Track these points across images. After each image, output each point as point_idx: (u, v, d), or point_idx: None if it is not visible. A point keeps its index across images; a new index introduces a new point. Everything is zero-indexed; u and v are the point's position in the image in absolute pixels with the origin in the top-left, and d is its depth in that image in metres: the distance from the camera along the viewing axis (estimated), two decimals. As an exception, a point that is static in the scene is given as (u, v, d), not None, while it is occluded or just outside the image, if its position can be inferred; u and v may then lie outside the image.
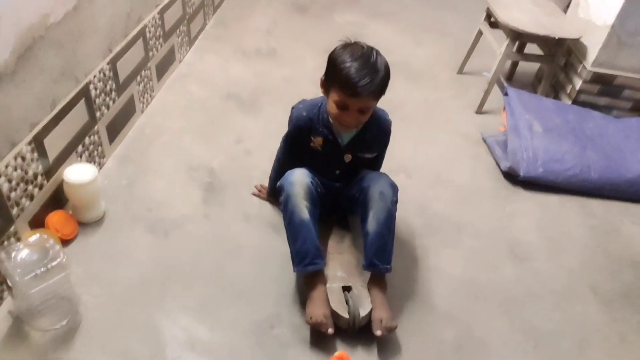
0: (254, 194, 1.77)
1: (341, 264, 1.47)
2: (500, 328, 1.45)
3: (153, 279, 1.43)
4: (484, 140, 2.23)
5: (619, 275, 1.68)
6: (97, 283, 1.40)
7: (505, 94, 2.30)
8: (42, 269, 1.16)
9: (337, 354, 1.22)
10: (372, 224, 1.38)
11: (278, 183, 1.47)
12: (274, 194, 1.58)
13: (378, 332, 1.29)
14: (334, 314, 1.32)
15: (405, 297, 1.48)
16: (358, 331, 1.32)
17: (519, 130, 2.08)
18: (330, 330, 1.28)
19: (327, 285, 1.39)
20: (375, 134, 1.47)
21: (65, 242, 1.47)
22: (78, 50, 1.56)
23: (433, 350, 1.36)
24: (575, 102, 2.37)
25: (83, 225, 1.54)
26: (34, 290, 1.16)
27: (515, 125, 2.11)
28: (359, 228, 1.46)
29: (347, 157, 1.49)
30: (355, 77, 1.25)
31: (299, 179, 1.39)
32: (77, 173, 1.48)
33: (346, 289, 1.39)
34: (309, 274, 1.38)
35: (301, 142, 1.49)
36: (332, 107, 1.36)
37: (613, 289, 1.63)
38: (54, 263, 1.18)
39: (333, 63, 1.32)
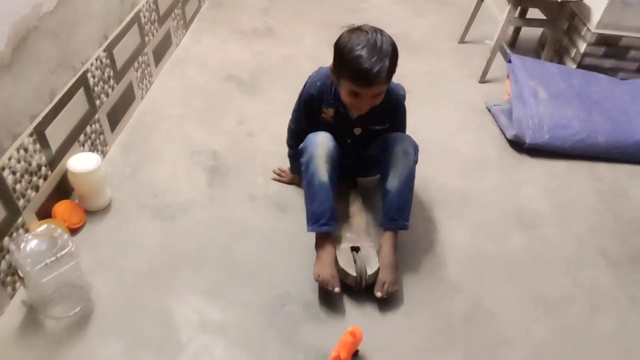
0: (275, 179, 1.76)
1: (350, 226, 1.52)
2: (510, 297, 1.45)
3: (162, 264, 1.44)
4: (489, 110, 2.20)
5: (628, 239, 1.67)
6: (108, 270, 1.41)
7: (509, 62, 2.26)
8: (52, 259, 1.17)
9: (350, 329, 1.22)
10: (393, 181, 1.42)
11: (300, 145, 1.47)
12: (298, 171, 1.58)
13: (378, 294, 1.34)
14: (342, 272, 1.37)
15: (413, 270, 1.49)
16: (365, 289, 1.37)
17: (524, 98, 2.05)
18: (337, 289, 1.32)
19: (337, 245, 1.43)
20: (386, 107, 1.46)
21: (73, 231, 1.49)
22: (73, 38, 1.54)
23: (442, 320, 1.37)
24: (580, 66, 2.32)
25: (90, 213, 1.55)
26: (45, 279, 1.18)
27: (519, 93, 2.08)
28: (380, 187, 1.49)
29: (357, 130, 1.51)
30: (365, 67, 1.24)
31: (323, 142, 1.41)
32: (80, 162, 1.49)
33: (354, 249, 1.44)
34: (320, 235, 1.42)
35: (313, 112, 1.50)
36: (344, 95, 1.36)
37: (622, 253, 1.62)
38: (63, 252, 1.19)
39: (340, 53, 1.30)
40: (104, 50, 1.72)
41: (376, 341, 1.29)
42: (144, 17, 2.02)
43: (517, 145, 2.00)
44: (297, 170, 1.69)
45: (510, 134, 2.00)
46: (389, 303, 1.38)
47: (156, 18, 2.15)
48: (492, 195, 1.79)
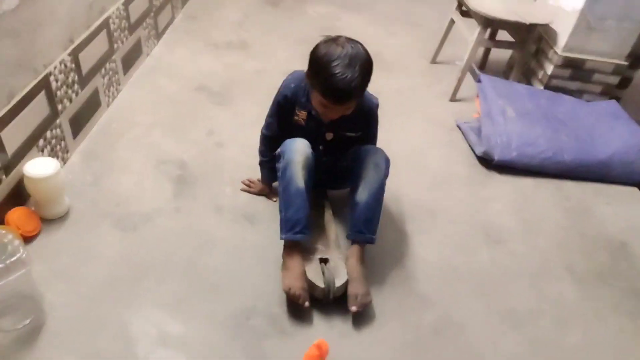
0: (244, 190, 1.72)
1: (320, 237, 1.50)
2: (478, 310, 1.44)
3: (122, 275, 1.38)
4: (458, 127, 2.23)
5: (593, 256, 1.69)
6: (63, 281, 1.33)
7: (478, 81, 2.31)
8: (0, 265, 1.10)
9: (316, 342, 1.19)
10: (363, 194, 1.40)
11: (277, 150, 1.46)
12: (273, 177, 1.57)
13: (353, 308, 1.30)
14: (310, 284, 1.34)
15: (382, 282, 1.46)
16: (333, 301, 1.34)
17: (493, 116, 2.09)
18: (307, 304, 1.29)
19: (305, 255, 1.40)
20: (358, 115, 1.46)
21: (27, 240, 1.41)
22: (36, 40, 1.49)
23: (411, 333, 1.34)
24: (547, 87, 2.39)
25: (46, 222, 1.48)
26: (-9, 288, 1.10)
27: (488, 111, 2.12)
28: (349, 199, 1.47)
29: (329, 135, 1.50)
30: (337, 87, 1.25)
31: (301, 148, 1.39)
32: (38, 167, 1.42)
33: (323, 260, 1.41)
34: (291, 243, 1.39)
35: (286, 114, 1.49)
36: (316, 103, 1.37)
37: (588, 269, 1.64)
38: (13, 259, 1.12)
39: (315, 65, 1.30)
40: (69, 54, 1.67)
41: (344, 355, 1.25)
42: (114, 23, 1.98)
43: (486, 161, 2.02)
44: (268, 179, 1.66)
45: (479, 150, 2.03)
46: (357, 315, 1.35)
47: (127, 26, 2.11)
48: (461, 210, 1.79)
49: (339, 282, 1.34)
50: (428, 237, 1.65)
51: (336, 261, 1.41)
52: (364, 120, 1.50)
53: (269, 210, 1.65)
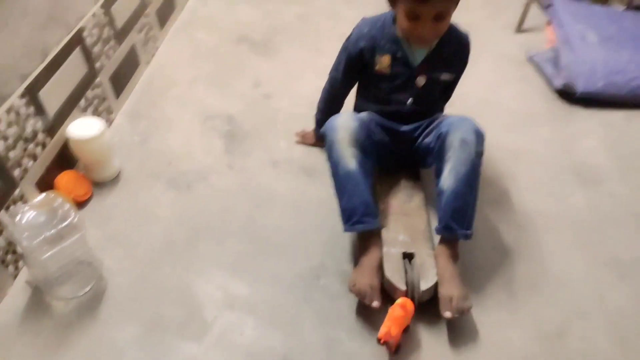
0: (298, 142, 1.57)
1: (405, 226, 1.22)
2: (578, 262, 1.26)
3: (180, 237, 1.28)
4: (531, 60, 1.98)
5: None
6: (119, 245, 1.25)
7: (549, 5, 2.03)
8: (51, 231, 1.01)
9: (399, 301, 1.05)
10: (449, 179, 1.13)
11: (321, 129, 1.24)
12: (322, 136, 1.36)
13: (447, 314, 1.05)
14: (388, 284, 1.11)
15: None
16: (417, 308, 1.08)
17: (572, 42, 1.83)
18: (376, 303, 1.06)
19: (385, 249, 1.16)
20: (455, 49, 1.24)
21: (79, 204, 1.33)
22: (65, -9, 1.36)
23: (504, 291, 1.19)
24: (629, 7, 2.08)
25: (97, 185, 1.39)
26: (46, 255, 1.02)
27: (566, 37, 1.85)
28: (434, 184, 1.21)
29: (421, 80, 1.24)
30: None
31: (344, 122, 1.17)
32: (82, 128, 1.32)
33: (407, 256, 1.16)
34: (361, 235, 1.18)
35: (364, 68, 1.27)
36: (402, 21, 1.14)
37: (701, 207, 1.41)
38: (65, 223, 1.03)
39: None
40: (101, 7, 1.54)
41: (428, 317, 1.11)
42: (145, -26, 1.83)
43: (567, 95, 1.78)
44: (319, 136, 1.50)
45: (558, 83, 1.78)
46: (449, 326, 1.12)
47: (158, -24, 1.96)
48: (546, 150, 1.58)
49: (424, 285, 1.08)
50: (513, 183, 1.46)
51: (424, 257, 1.15)
52: (461, 55, 1.27)
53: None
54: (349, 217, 1.16)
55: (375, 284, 1.09)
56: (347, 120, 1.18)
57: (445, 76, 1.27)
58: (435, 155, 1.19)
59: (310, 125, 1.58)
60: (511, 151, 1.57)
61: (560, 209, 1.39)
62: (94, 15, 1.50)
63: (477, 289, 1.18)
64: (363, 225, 1.15)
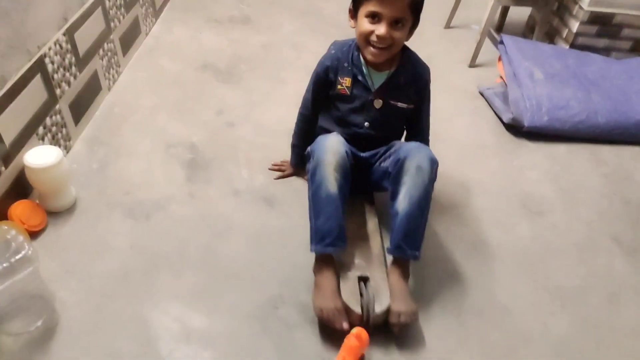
0: (273, 169, 1.60)
1: (360, 250, 1.27)
2: (524, 290, 1.33)
3: (137, 267, 1.27)
4: (482, 94, 2.09)
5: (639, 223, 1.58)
6: (74, 277, 1.23)
7: (501, 42, 2.16)
8: (4, 264, 1.00)
9: (354, 331, 1.08)
10: (403, 202, 1.19)
11: (309, 148, 1.28)
12: (302, 162, 1.42)
13: (396, 329, 1.13)
14: (345, 307, 1.14)
15: (418, 263, 1.35)
16: (371, 331, 1.12)
17: (520, 79, 1.95)
18: (345, 326, 1.10)
19: (341, 273, 1.21)
20: (411, 80, 1.32)
21: (33, 235, 1.30)
22: (27, 19, 1.36)
23: (453, 317, 1.24)
24: (572, 46, 2.25)
25: (53, 214, 1.37)
26: (-3, 290, 1.00)
27: (514, 74, 1.98)
28: (389, 208, 1.25)
29: (378, 103, 1.31)
30: None
31: (334, 146, 1.20)
32: (39, 156, 1.30)
33: (362, 279, 1.20)
34: (322, 257, 1.21)
35: (328, 89, 1.34)
36: (362, 25, 1.21)
37: (636, 238, 1.52)
38: (18, 256, 1.02)
39: None
40: (64, 34, 1.54)
41: (382, 344, 1.15)
42: (109, 1, 1.84)
43: (515, 129, 1.89)
44: (296, 164, 1.55)
45: (507, 117, 1.89)
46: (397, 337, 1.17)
47: (122, 3, 1.97)
48: (494, 182, 1.67)
49: (379, 308, 1.12)
50: (462, 213, 1.54)
51: (378, 281, 1.18)
52: (418, 87, 1.34)
53: (289, 192, 1.53)
54: (322, 238, 1.19)
55: (339, 306, 1.13)
56: (336, 145, 1.21)
57: (401, 104, 1.34)
58: (392, 179, 1.24)
59: (273, 153, 1.62)
60: (462, 182, 1.65)
61: (507, 239, 1.47)
62: (56, 42, 1.50)
63: (427, 316, 1.23)
64: (334, 248, 1.19)
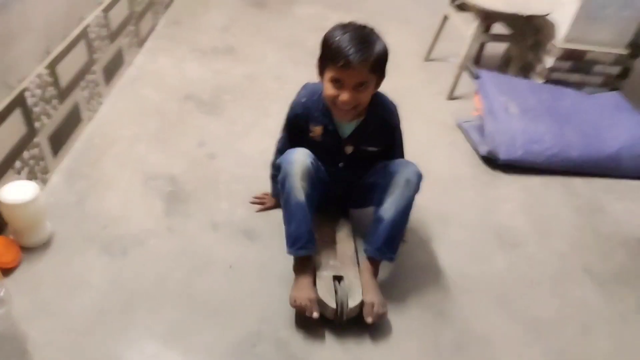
0: (255, 202, 1.62)
1: (335, 253, 1.40)
2: (500, 322, 1.35)
3: (112, 305, 1.26)
4: (459, 126, 2.14)
5: (610, 255, 1.62)
6: (48, 316, 1.21)
7: (477, 77, 2.22)
8: (-27, 307, 0.98)
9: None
10: (390, 210, 1.30)
11: (277, 160, 1.38)
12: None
13: (369, 319, 1.22)
14: (321, 303, 1.25)
15: (396, 297, 1.37)
16: (345, 323, 1.24)
17: (495, 113, 2.00)
18: (315, 314, 1.21)
19: (317, 272, 1.32)
20: (379, 126, 1.36)
21: (6, 272, 1.28)
22: (9, 53, 1.37)
23: (432, 351, 1.25)
24: (547, 81, 2.32)
25: (27, 250, 1.35)
26: (-35, 333, 0.98)
27: (490, 108, 2.03)
28: (373, 212, 1.36)
29: (348, 149, 1.39)
30: (346, 46, 1.17)
31: (299, 158, 1.29)
32: (14, 192, 1.30)
33: (337, 278, 1.31)
34: (300, 259, 1.32)
35: (300, 131, 1.39)
36: (327, 89, 1.26)
37: (607, 270, 1.56)
38: (-11, 299, 1.00)
39: (325, 41, 1.24)
40: (46, 67, 1.55)
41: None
42: (93, 32, 1.86)
43: (491, 161, 1.94)
44: (278, 194, 1.56)
45: (483, 150, 1.94)
46: (372, 335, 1.25)
47: (107, 34, 1.99)
48: (470, 214, 1.71)
49: (352, 303, 1.24)
50: (440, 245, 1.56)
51: (351, 280, 1.31)
52: (386, 130, 1.39)
53: (269, 225, 1.54)
54: (294, 242, 1.30)
55: (312, 297, 1.24)
56: (302, 156, 1.29)
57: (371, 148, 1.39)
58: (380, 189, 1.34)
59: (255, 184, 1.63)
60: (438, 214, 1.67)
61: (482, 271, 1.49)
62: (38, 75, 1.50)
63: (405, 351, 1.24)
64: (305, 250, 1.31)
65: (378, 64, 1.21)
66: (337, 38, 1.19)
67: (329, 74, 1.23)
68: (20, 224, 1.33)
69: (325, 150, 1.37)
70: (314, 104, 1.35)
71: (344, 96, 1.22)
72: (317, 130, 1.36)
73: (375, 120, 1.35)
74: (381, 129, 1.37)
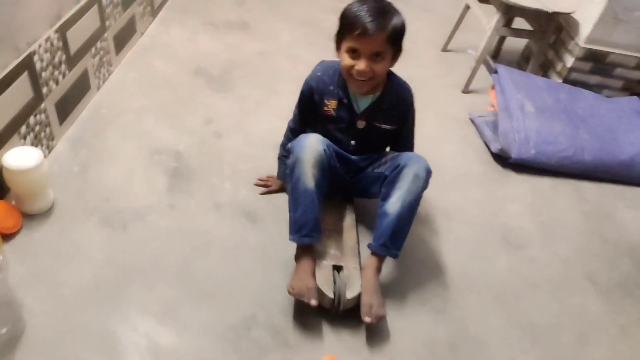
0: (259, 184, 1.60)
1: (337, 242, 1.37)
2: (497, 324, 1.33)
3: (109, 278, 1.25)
4: (472, 121, 2.10)
5: (616, 264, 1.59)
6: (44, 284, 1.21)
7: (495, 72, 2.17)
8: (-31, 272, 0.97)
9: (324, 358, 1.08)
10: (395, 204, 1.27)
11: (289, 144, 1.35)
12: (285, 175, 1.46)
13: (367, 319, 1.19)
14: (319, 292, 1.23)
15: (394, 291, 1.35)
16: (342, 314, 1.23)
17: (511, 111, 1.96)
18: (314, 302, 1.19)
19: (317, 261, 1.30)
20: (394, 103, 1.36)
21: (6, 237, 1.28)
22: (18, 14, 1.34)
23: (426, 349, 1.24)
24: (565, 80, 2.26)
25: (28, 217, 1.35)
26: (-40, 297, 0.98)
27: (506, 105, 1.99)
28: (379, 206, 1.32)
29: (361, 124, 1.36)
30: (364, 15, 1.18)
31: (312, 144, 1.26)
32: (19, 158, 1.28)
33: (336, 268, 1.30)
34: (302, 246, 1.30)
35: (314, 106, 1.37)
36: (344, 59, 1.25)
37: (611, 279, 1.53)
38: (-14, 265, 0.99)
39: (343, 13, 1.25)
40: (56, 31, 1.52)
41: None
42: (106, -2, 1.83)
43: (502, 159, 1.90)
44: (283, 176, 1.54)
45: (495, 147, 1.90)
46: (369, 330, 1.24)
47: (120, 1, 1.95)
48: (477, 211, 1.68)
49: (350, 294, 1.22)
50: (443, 241, 1.54)
51: (351, 270, 1.29)
52: (401, 109, 1.38)
53: (272, 208, 1.52)
54: (299, 229, 1.27)
55: (310, 285, 1.22)
56: (315, 143, 1.27)
57: (384, 126, 1.38)
58: (387, 182, 1.31)
59: (260, 165, 1.61)
60: (444, 209, 1.65)
61: (483, 270, 1.47)
62: (47, 39, 1.48)
63: (400, 347, 1.23)
64: (310, 239, 1.28)
65: (394, 36, 1.21)
66: (355, 9, 1.21)
67: (346, 45, 1.24)
68: (23, 191, 1.32)
69: (339, 127, 1.36)
70: (330, 78, 1.35)
71: (361, 65, 1.22)
72: (331, 104, 1.35)
73: (390, 97, 1.34)
74: (396, 106, 1.36)
